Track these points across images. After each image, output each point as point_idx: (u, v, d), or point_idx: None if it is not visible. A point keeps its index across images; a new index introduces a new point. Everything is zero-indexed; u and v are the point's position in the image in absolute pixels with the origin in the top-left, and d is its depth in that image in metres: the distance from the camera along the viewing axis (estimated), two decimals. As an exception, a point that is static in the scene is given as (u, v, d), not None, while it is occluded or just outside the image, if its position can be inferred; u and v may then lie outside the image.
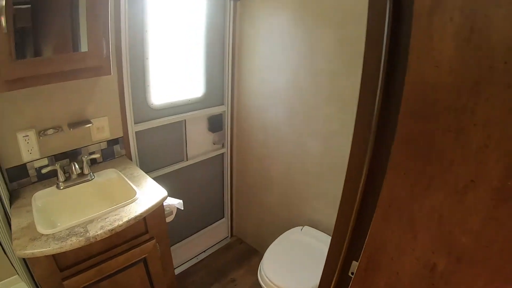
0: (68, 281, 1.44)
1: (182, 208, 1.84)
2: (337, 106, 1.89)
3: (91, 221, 1.47)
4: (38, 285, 1.69)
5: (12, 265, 1.65)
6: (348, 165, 1.04)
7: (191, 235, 2.81)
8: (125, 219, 1.47)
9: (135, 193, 1.63)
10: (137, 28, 1.96)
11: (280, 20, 2.07)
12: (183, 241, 2.74)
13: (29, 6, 1.46)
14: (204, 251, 2.99)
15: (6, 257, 1.63)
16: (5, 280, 1.97)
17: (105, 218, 1.48)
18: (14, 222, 1.49)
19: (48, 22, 1.55)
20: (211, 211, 2.90)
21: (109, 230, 1.42)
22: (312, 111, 2.04)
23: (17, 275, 1.74)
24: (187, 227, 2.69)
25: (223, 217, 3.02)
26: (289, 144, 2.25)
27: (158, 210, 1.64)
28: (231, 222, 3.08)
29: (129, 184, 1.72)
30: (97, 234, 1.39)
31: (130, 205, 1.56)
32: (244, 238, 3.10)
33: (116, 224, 1.44)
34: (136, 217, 1.50)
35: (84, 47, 1.60)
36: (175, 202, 1.81)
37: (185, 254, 2.82)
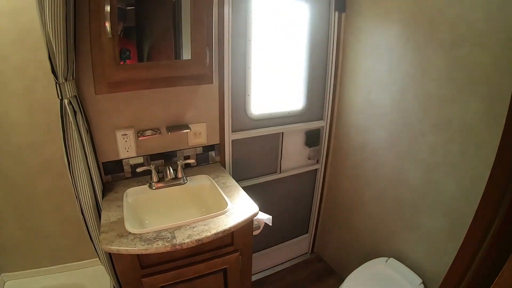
0: (147, 279, 1.45)
1: (271, 224, 1.77)
2: (445, 135, 1.68)
3: (179, 227, 1.45)
4: (117, 276, 1.75)
5: (96, 250, 1.74)
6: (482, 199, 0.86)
7: (272, 246, 2.74)
8: (213, 231, 1.43)
9: (227, 204, 1.60)
10: (240, 37, 1.94)
11: (388, 36, 1.91)
12: (263, 250, 2.68)
13: (132, 8, 1.52)
14: (281, 263, 2.91)
15: (92, 242, 1.71)
16: (87, 260, 2.12)
17: (194, 227, 1.45)
18: (104, 215, 1.54)
19: (151, 30, 1.61)
20: (295, 225, 2.81)
21: (196, 240, 1.39)
22: (416, 138, 1.84)
23: (97, 259, 1.80)
24: (269, 238, 2.62)
25: (307, 232, 2.91)
26: (386, 169, 2.07)
27: (247, 225, 1.59)
28: (313, 239, 2.97)
29: (221, 194, 1.69)
30: (184, 243, 1.37)
31: (220, 216, 1.53)
32: (324, 256, 2.96)
33: (204, 235, 1.41)
34: (224, 231, 1.45)
35: (186, 55, 1.61)
36: (264, 217, 1.75)
37: (263, 264, 2.77)
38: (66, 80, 1.42)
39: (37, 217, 1.97)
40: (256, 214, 1.60)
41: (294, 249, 2.95)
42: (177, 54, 1.65)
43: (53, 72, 1.37)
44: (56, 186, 1.89)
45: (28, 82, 1.67)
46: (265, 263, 2.78)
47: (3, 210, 1.91)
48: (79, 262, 2.15)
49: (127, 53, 1.54)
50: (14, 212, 1.93)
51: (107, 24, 1.40)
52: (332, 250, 2.87)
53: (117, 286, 1.93)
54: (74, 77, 1.49)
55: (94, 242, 1.74)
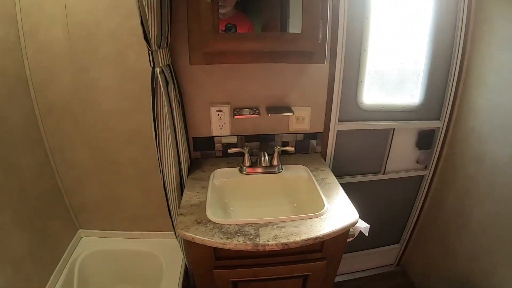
0: (219, 272, 1.33)
1: (367, 234, 1.54)
2: None
3: (265, 224, 1.28)
4: (188, 261, 1.72)
5: (173, 226, 1.68)
6: None
7: (357, 250, 2.52)
8: (303, 237, 1.22)
9: (323, 205, 1.37)
10: (356, 13, 1.66)
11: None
12: (345, 254, 2.45)
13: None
14: (363, 271, 2.67)
15: (170, 218, 1.66)
16: (163, 232, 2.07)
17: (282, 227, 1.26)
18: (185, 195, 1.44)
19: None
20: (387, 233, 2.55)
21: (281, 244, 1.20)
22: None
23: (173, 232, 1.76)
24: (355, 242, 2.36)
25: (397, 243, 2.63)
26: (506, 190, 1.68)
27: (343, 233, 1.36)
28: (403, 251, 2.66)
29: (319, 192, 1.47)
30: (267, 244, 1.19)
31: (314, 219, 1.32)
32: (410, 272, 2.66)
33: (292, 239, 1.21)
34: (316, 238, 1.24)
35: (294, 27, 1.40)
36: (361, 226, 1.52)
37: (343, 267, 2.55)
38: (159, 47, 1.33)
39: (120, 183, 1.97)
40: (355, 223, 1.37)
41: (380, 258, 2.69)
42: (283, 25, 1.47)
43: (145, 38, 1.28)
44: (141, 155, 1.85)
45: (120, 48, 1.62)
46: (345, 267, 2.57)
47: (89, 171, 1.95)
48: (156, 232, 2.13)
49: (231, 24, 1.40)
50: (99, 174, 1.95)
51: None
52: (420, 267, 2.55)
53: (188, 265, 1.89)
54: (168, 44, 1.39)
55: (173, 218, 1.68)
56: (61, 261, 1.95)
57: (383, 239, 2.58)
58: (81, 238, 2.16)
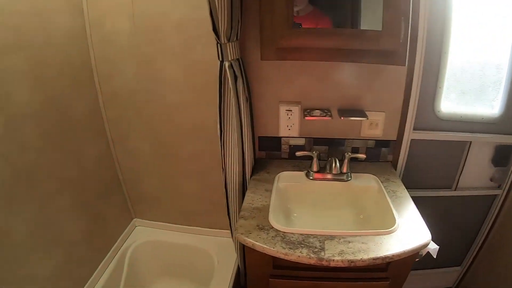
0: (276, 281, 1.27)
1: (435, 256, 1.42)
2: None
3: (331, 237, 1.19)
4: (245, 263, 1.62)
5: (230, 227, 1.67)
6: None
7: (414, 269, 2.35)
8: (371, 255, 1.13)
9: (394, 222, 1.26)
10: (438, 12, 1.50)
11: None
12: (401, 270, 2.27)
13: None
14: (416, 292, 2.47)
15: (228, 217, 1.64)
16: (219, 230, 2.05)
17: (349, 242, 1.17)
18: (248, 196, 1.39)
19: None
20: (450, 253, 2.37)
21: (348, 261, 1.11)
22: None
23: (230, 232, 1.73)
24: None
25: (459, 265, 2.46)
26: None
27: (412, 255, 1.25)
28: (464, 274, 2.48)
29: (389, 206, 1.36)
30: (332, 260, 1.10)
31: (383, 236, 1.21)
32: (467, 298, 2.44)
33: (359, 256, 1.12)
34: (385, 258, 1.14)
35: (368, 23, 1.31)
36: (431, 247, 1.40)
37: (396, 285, 2.35)
38: (229, 40, 1.27)
39: (179, 177, 1.96)
40: (427, 244, 1.26)
41: (437, 279, 2.52)
42: (354, 20, 1.37)
43: (214, 30, 1.23)
44: (204, 150, 1.81)
45: (187, 40, 1.58)
46: (399, 284, 2.38)
47: (149, 163, 1.95)
48: (211, 229, 2.11)
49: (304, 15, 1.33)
50: (159, 166, 1.95)
51: None
52: (480, 293, 2.35)
53: (242, 267, 1.83)
54: (238, 38, 1.33)
55: (231, 218, 1.65)
56: (113, 248, 1.97)
57: (444, 260, 2.39)
58: (136, 227, 2.19)
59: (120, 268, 1.92)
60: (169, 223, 2.14)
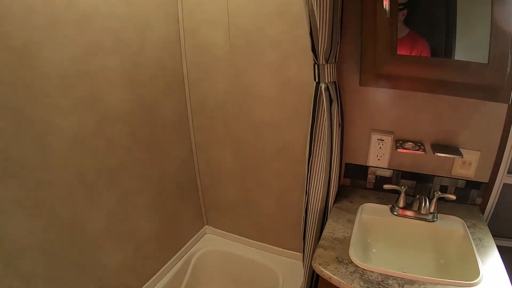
0: None
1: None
2: None
3: (411, 282, 1.11)
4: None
5: (303, 251, 1.63)
6: None
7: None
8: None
9: (478, 274, 1.14)
10: None
11: None
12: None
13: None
14: None
15: (303, 241, 1.62)
16: (289, 251, 2.03)
17: (427, 289, 1.07)
18: (329, 225, 1.35)
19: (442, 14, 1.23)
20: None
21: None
22: None
23: (301, 254, 1.71)
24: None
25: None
26: None
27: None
28: None
29: (475, 255, 1.24)
30: None
31: (463, 288, 1.09)
32: None
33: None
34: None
35: (464, 54, 1.21)
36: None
37: None
38: (327, 62, 1.25)
39: (259, 191, 1.95)
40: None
41: None
42: (448, 50, 1.26)
43: (313, 50, 1.21)
44: (287, 169, 1.79)
45: (282, 57, 1.57)
46: None
47: (230, 172, 1.98)
48: (281, 249, 2.07)
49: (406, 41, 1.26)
50: (239, 178, 1.97)
51: (385, 1, 1.11)
52: None
53: None
54: (336, 60, 1.30)
55: (305, 243, 1.61)
56: (181, 251, 2.03)
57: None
58: (206, 233, 2.23)
59: (183, 272, 1.96)
60: (239, 235, 2.15)
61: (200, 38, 1.73)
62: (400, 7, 1.20)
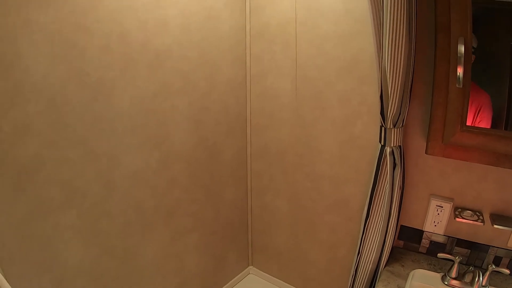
0: None
1: None
2: None
3: None
4: None
5: None
6: None
7: None
8: None
9: None
10: None
11: None
12: None
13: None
14: None
15: None
16: None
17: None
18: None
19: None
20: None
21: None
22: None
23: None
24: None
25: None
26: None
27: None
28: None
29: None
30: None
31: None
32: None
33: None
34: None
35: None
36: None
37: None
38: (394, 126, 1.26)
39: (309, 242, 1.95)
40: None
41: None
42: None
43: (382, 114, 1.24)
44: (340, 225, 1.79)
45: (349, 113, 1.59)
46: None
47: (283, 219, 1.99)
48: None
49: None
50: (291, 226, 1.98)
51: (460, 70, 1.07)
52: None
53: None
54: (403, 124, 1.31)
55: None
56: None
57: None
58: (249, 274, 2.25)
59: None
60: (283, 281, 2.15)
61: (266, 84, 1.79)
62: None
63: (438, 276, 1.45)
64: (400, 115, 1.25)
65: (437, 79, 1.20)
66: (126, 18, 1.28)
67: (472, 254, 1.51)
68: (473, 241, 1.50)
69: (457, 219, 1.41)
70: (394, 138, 1.29)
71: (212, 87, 1.67)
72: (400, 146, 1.35)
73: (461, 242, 1.51)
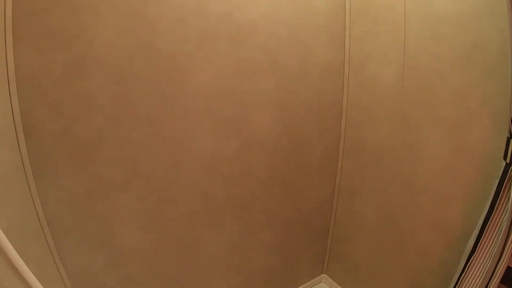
0: None
1: None
2: None
3: None
4: None
5: None
6: None
7: None
8: None
9: None
10: None
11: None
12: None
13: None
14: None
15: None
16: None
17: None
18: None
19: None
20: None
21: None
22: None
23: None
24: None
25: None
26: None
27: None
28: None
29: None
30: None
31: None
32: None
33: None
34: None
35: None
36: None
37: None
38: None
39: (394, 261, 1.66)
40: None
41: None
42: None
43: None
44: (435, 250, 1.46)
45: (464, 115, 1.27)
46: None
47: (368, 230, 1.75)
48: None
49: None
50: (377, 239, 1.72)
51: None
52: None
53: None
54: None
55: None
56: None
57: None
58: (320, 282, 2.08)
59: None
60: None
61: (367, 73, 1.55)
62: None
63: None
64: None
65: None
66: (205, -14, 1.19)
67: None
68: None
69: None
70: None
71: (303, 70, 1.49)
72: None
73: None
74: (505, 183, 1.05)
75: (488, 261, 1.12)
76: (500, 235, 1.08)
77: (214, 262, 1.52)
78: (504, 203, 1.07)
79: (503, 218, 1.07)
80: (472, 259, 1.16)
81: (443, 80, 1.31)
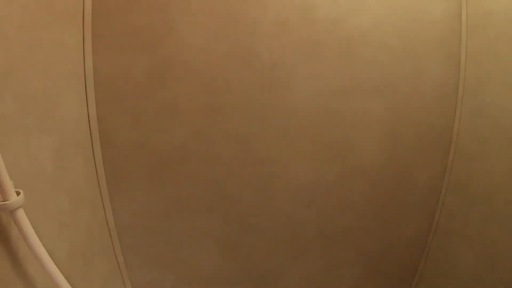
0: None
1: None
2: None
3: None
4: None
5: None
6: None
7: None
8: None
9: None
10: None
11: None
12: None
13: None
14: None
15: None
16: None
17: None
18: None
19: None
20: None
21: None
22: None
23: None
24: None
25: None
26: None
27: None
28: None
29: None
30: None
31: None
32: None
33: None
34: None
35: None
36: None
37: None
38: None
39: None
40: None
41: None
42: None
43: None
44: None
45: None
46: None
47: (468, 276, 1.48)
48: None
49: None
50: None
51: None
52: None
53: None
54: None
55: None
56: None
57: None
58: None
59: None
60: None
61: (485, 96, 1.33)
62: None
63: None
64: None
65: None
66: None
67: None
68: None
69: None
70: None
71: (414, 90, 1.31)
72: None
73: None
74: None
75: None
76: None
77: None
78: None
79: None
80: None
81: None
